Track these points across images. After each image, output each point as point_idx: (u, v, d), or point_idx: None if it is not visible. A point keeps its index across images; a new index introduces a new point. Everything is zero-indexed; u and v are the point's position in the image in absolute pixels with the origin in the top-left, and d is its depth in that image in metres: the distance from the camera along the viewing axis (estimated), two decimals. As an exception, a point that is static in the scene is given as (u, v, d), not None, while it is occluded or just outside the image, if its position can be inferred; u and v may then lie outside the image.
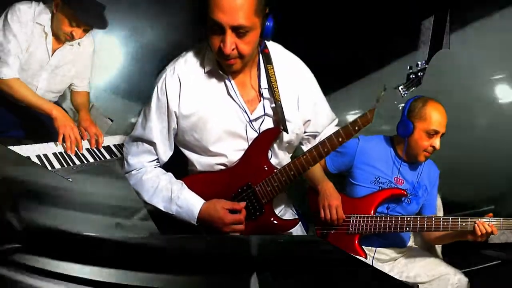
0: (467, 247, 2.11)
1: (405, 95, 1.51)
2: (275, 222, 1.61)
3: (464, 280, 1.93)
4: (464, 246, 2.06)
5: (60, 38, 2.10)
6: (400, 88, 1.50)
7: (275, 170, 1.57)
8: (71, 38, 2.06)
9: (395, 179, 2.04)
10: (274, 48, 1.60)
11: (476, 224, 1.80)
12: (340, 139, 1.51)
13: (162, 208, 1.58)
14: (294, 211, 1.82)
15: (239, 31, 1.36)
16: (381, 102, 1.48)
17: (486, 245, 2.23)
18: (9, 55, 2.01)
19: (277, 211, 1.67)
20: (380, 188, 2.02)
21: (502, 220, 1.81)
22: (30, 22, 2.03)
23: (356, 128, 1.50)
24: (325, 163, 2.13)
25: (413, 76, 1.49)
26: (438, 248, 2.20)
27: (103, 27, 2.09)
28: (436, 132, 1.93)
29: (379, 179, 2.03)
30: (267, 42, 1.59)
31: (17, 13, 2.00)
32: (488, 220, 1.81)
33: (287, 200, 1.80)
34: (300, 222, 1.71)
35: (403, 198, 2.02)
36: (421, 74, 1.48)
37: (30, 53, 2.08)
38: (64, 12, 2.00)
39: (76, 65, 2.28)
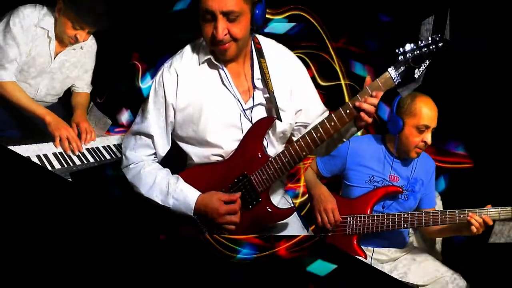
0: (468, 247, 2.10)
1: (398, 81, 1.43)
2: (271, 211, 1.62)
3: (463, 283, 1.92)
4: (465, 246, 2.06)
5: (64, 41, 2.13)
6: (390, 71, 1.43)
7: (270, 158, 1.59)
8: (76, 41, 2.09)
9: (390, 176, 2.03)
10: (266, 43, 1.67)
11: (468, 217, 1.80)
12: (332, 123, 1.50)
13: (159, 202, 1.60)
14: (290, 202, 1.83)
15: (230, 16, 1.44)
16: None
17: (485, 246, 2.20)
18: (7, 58, 2.05)
19: (273, 202, 1.66)
20: (375, 187, 2.01)
21: (500, 210, 1.79)
22: (33, 27, 2.06)
23: (348, 111, 1.49)
24: (317, 168, 2.11)
25: (401, 58, 1.41)
26: (438, 247, 2.18)
27: (105, 27, 2.11)
28: (427, 127, 1.92)
29: (373, 178, 2.03)
30: (259, 38, 1.66)
31: (20, 17, 2.04)
32: (486, 211, 1.80)
33: (283, 192, 1.81)
34: (295, 212, 1.72)
35: (399, 195, 2.02)
36: (413, 63, 1.39)
37: (33, 57, 2.11)
38: (66, 16, 2.03)
39: (78, 67, 2.31)
